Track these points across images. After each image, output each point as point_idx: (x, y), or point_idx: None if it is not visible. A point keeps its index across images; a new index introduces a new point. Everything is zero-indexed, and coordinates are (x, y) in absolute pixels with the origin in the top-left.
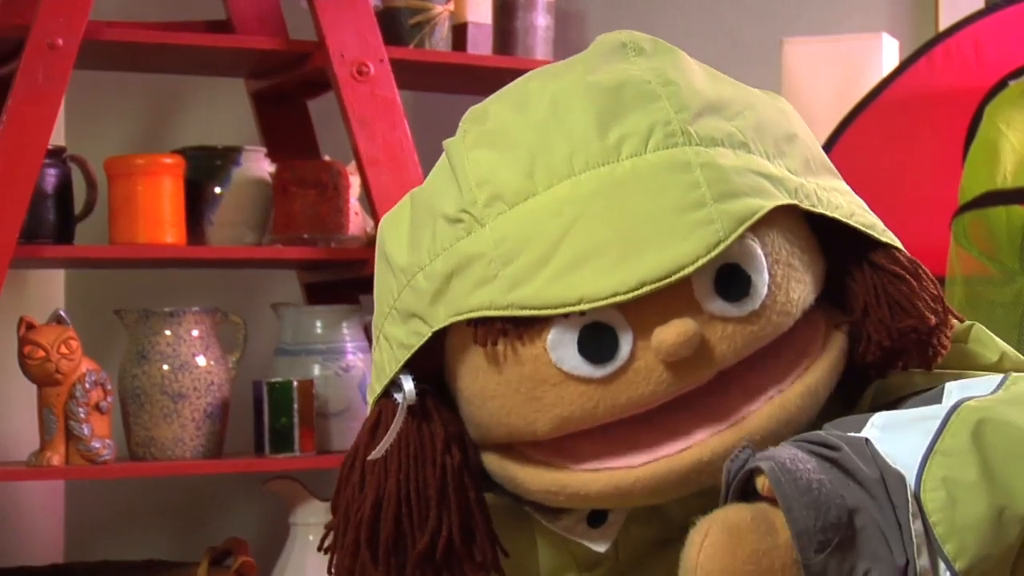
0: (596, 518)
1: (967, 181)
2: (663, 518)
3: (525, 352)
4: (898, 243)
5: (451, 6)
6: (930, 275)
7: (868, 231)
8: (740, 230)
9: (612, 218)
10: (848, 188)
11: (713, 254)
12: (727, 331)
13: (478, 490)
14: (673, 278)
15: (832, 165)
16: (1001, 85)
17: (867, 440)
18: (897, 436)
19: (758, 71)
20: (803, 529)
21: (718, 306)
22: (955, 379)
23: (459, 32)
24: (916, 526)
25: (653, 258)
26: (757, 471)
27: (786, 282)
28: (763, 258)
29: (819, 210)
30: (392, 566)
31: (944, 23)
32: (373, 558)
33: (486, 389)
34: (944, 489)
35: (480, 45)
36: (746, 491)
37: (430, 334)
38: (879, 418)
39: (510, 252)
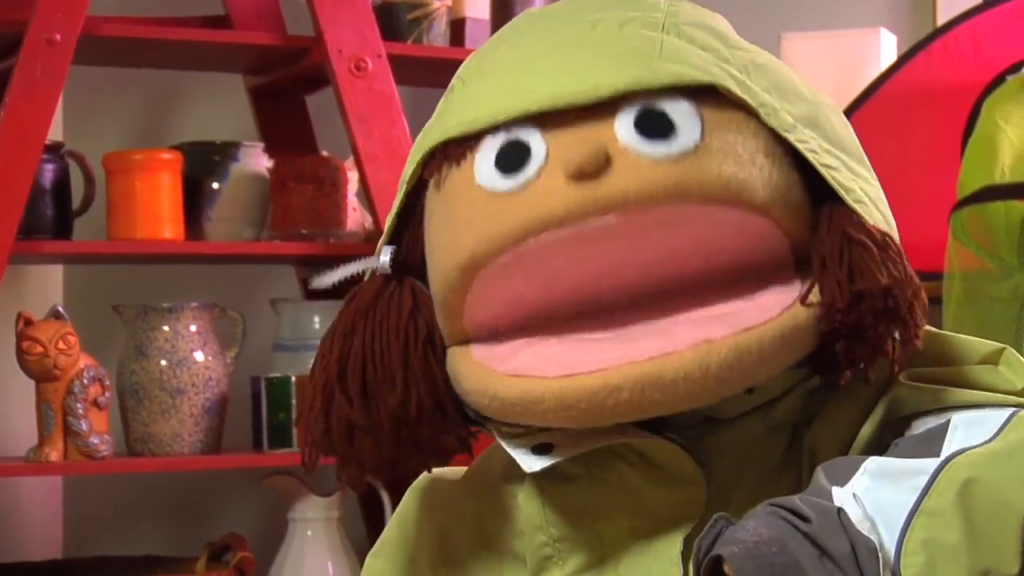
0: (542, 450)
1: (965, 176)
2: (644, 511)
3: (459, 175)
4: (883, 225)
5: (449, 1)
6: (899, 251)
7: (840, 189)
8: (672, 80)
9: (556, 49)
10: (870, 177)
11: (634, 87)
12: (639, 163)
13: (444, 377)
14: (588, 97)
15: (870, 165)
16: (999, 80)
17: (839, 510)
18: (885, 488)
19: None
20: None
21: (633, 138)
22: (964, 407)
23: (457, 27)
24: None
25: (577, 81)
26: (722, 557)
27: (723, 156)
28: (696, 118)
29: (784, 133)
30: (371, 416)
31: (942, 18)
32: (350, 405)
33: (435, 228)
34: (924, 553)
35: (478, 40)
36: (715, 572)
37: (403, 189)
38: (872, 463)
39: (464, 89)
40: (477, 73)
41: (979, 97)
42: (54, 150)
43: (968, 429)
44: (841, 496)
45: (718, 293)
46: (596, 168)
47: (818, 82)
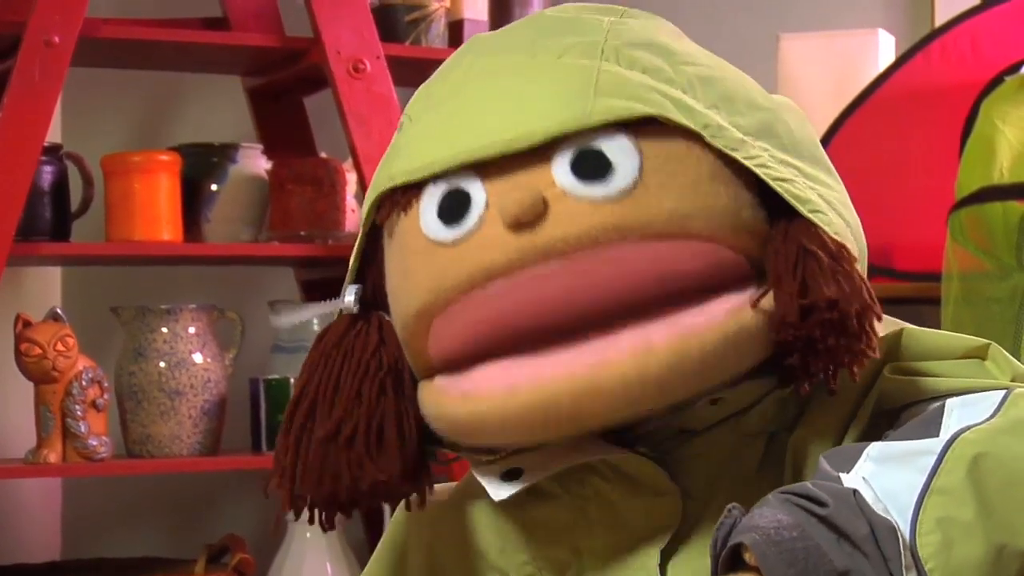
0: (512, 475)
1: (963, 177)
2: (621, 525)
3: (406, 223)
4: (843, 230)
5: (447, 2)
6: (852, 262)
7: (794, 202)
8: (606, 118)
9: (494, 88)
10: (830, 180)
11: (568, 129)
12: (578, 208)
13: (400, 405)
14: (522, 143)
15: (831, 167)
16: (997, 81)
17: (855, 491)
18: (892, 471)
19: (755, 67)
20: None
21: (569, 182)
22: (954, 394)
23: (455, 28)
24: None
25: (511, 126)
26: (743, 544)
27: (664, 191)
28: (634, 154)
29: (731, 152)
30: (300, 450)
31: (940, 19)
32: (284, 440)
33: (390, 275)
34: (940, 531)
35: None
36: (733, 560)
37: (362, 231)
38: (874, 449)
39: (410, 136)
40: (423, 110)
41: (977, 98)
42: (52, 152)
43: (964, 410)
44: (851, 480)
45: (673, 306)
46: (533, 216)
47: (816, 83)
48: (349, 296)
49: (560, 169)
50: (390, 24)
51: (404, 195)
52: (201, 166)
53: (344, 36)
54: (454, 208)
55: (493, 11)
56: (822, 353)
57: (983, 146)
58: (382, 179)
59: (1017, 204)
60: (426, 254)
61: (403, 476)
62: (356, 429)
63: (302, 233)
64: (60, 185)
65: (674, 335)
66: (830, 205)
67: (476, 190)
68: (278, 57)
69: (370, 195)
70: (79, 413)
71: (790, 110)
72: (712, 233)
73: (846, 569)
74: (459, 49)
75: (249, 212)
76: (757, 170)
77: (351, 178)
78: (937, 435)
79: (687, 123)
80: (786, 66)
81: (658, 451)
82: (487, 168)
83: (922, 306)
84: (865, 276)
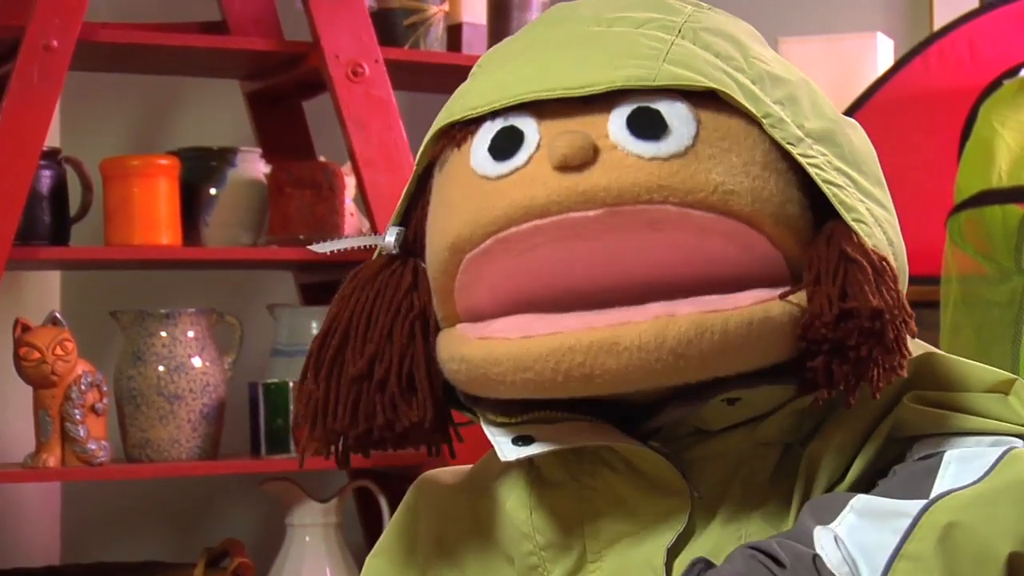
0: (522, 442)
1: (962, 180)
2: (629, 519)
3: (458, 158)
4: (884, 247)
5: (446, 7)
6: (896, 277)
7: (840, 207)
8: (670, 82)
9: (567, 43)
10: (888, 206)
11: (629, 84)
12: (626, 162)
13: (429, 355)
14: (583, 91)
15: (886, 189)
16: (996, 84)
17: (815, 556)
18: (870, 528)
19: None
20: None
21: (623, 135)
22: (966, 433)
23: (454, 33)
24: None
25: (575, 74)
26: None
27: (714, 163)
28: (692, 122)
29: (788, 146)
30: (331, 385)
31: (939, 22)
32: (315, 376)
33: (432, 210)
34: None
35: (475, 46)
36: None
37: (416, 170)
38: (859, 501)
39: (478, 74)
40: (493, 60)
41: (976, 101)
42: (51, 156)
43: (960, 466)
44: (822, 537)
45: (703, 290)
46: (581, 160)
47: None
48: (390, 236)
49: (616, 122)
50: (389, 28)
51: (461, 131)
52: (200, 170)
53: (343, 40)
54: (506, 144)
55: (491, 15)
56: (852, 361)
57: (982, 149)
58: (442, 117)
59: (1016, 207)
60: (470, 187)
61: (433, 427)
62: (388, 371)
63: (301, 237)
64: (59, 189)
65: (698, 310)
66: (877, 221)
67: (530, 130)
68: (277, 61)
69: (430, 132)
70: (78, 417)
71: (856, 128)
72: (752, 216)
73: None
74: (541, 15)
75: (248, 216)
76: (810, 169)
77: (350, 182)
78: (929, 491)
79: (749, 107)
80: None
81: (671, 449)
82: (544, 109)
83: (921, 309)
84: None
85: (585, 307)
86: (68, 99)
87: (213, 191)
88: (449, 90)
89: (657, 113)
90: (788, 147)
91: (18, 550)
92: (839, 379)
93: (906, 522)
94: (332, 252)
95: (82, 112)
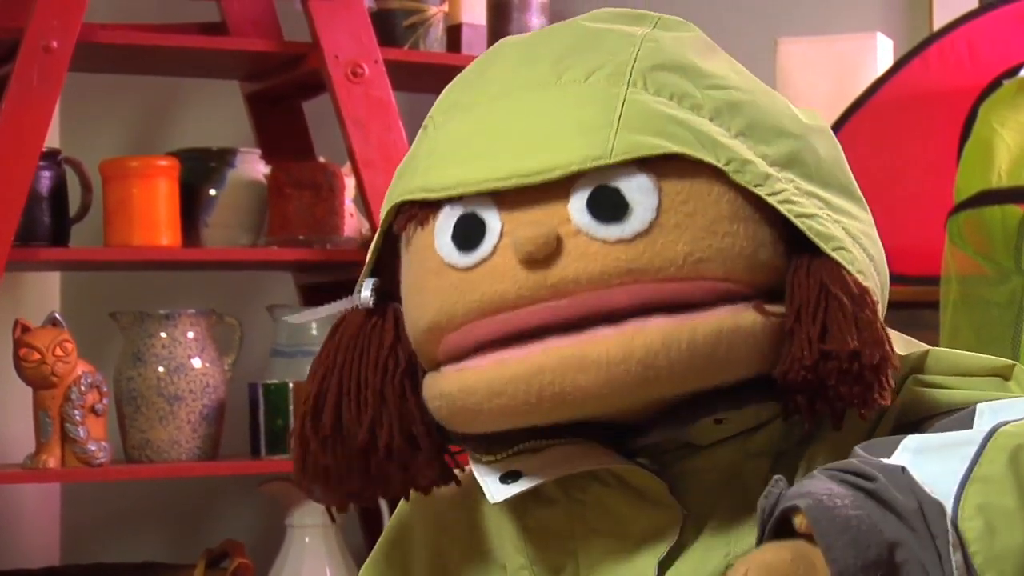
0: (510, 478)
1: (962, 180)
2: (620, 533)
3: (422, 238)
4: (866, 266)
5: (445, 7)
6: (875, 308)
7: (817, 239)
8: (627, 156)
9: (518, 117)
10: (862, 215)
11: (587, 166)
12: (590, 248)
13: (422, 407)
14: (540, 178)
15: (859, 195)
16: (995, 84)
17: (903, 468)
18: (931, 461)
19: (753, 71)
20: (844, 568)
21: (585, 221)
22: (984, 401)
23: (453, 33)
24: (956, 557)
25: (533, 157)
26: (793, 509)
27: (679, 232)
28: (653, 192)
29: (755, 189)
30: (338, 454)
31: (938, 23)
32: (321, 446)
33: (405, 284)
34: (982, 517)
35: (474, 46)
36: (781, 528)
37: (380, 229)
38: (912, 441)
39: (433, 145)
40: (447, 117)
41: (975, 101)
42: (51, 157)
43: (995, 414)
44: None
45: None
46: (546, 255)
47: (814, 87)
48: (366, 291)
49: (576, 206)
50: (388, 29)
51: (422, 210)
52: (199, 171)
53: (342, 41)
54: (469, 234)
55: (491, 15)
56: (832, 399)
57: (981, 150)
58: (400, 189)
59: (1016, 208)
60: (439, 275)
61: (440, 474)
62: (391, 436)
63: (301, 237)
64: (59, 190)
65: (667, 321)
66: (855, 239)
67: (492, 218)
68: (276, 62)
69: (389, 199)
70: (78, 418)
71: (820, 133)
72: (726, 275)
73: (896, 541)
74: (488, 52)
75: (248, 217)
76: (780, 207)
77: (349, 183)
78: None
79: (711, 160)
80: (784, 70)
81: (659, 464)
82: (504, 197)
83: (921, 310)
84: (883, 311)
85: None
86: (68, 100)
87: (213, 192)
88: None
89: (616, 192)
90: (756, 190)
91: (18, 551)
92: (822, 412)
93: (971, 449)
94: (307, 320)
95: (82, 113)
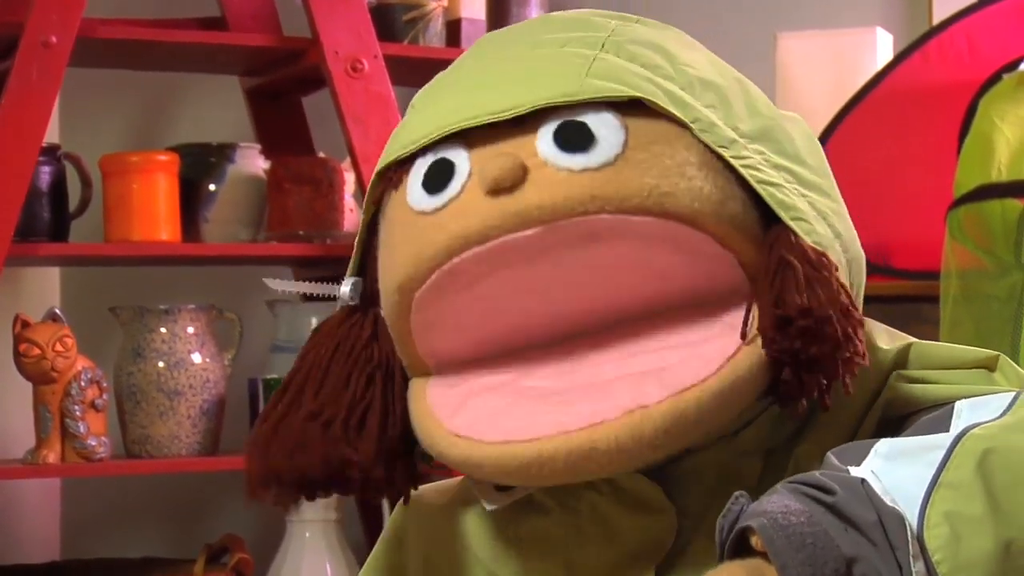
0: (506, 486)
1: (962, 175)
2: (615, 540)
3: (396, 198)
4: (828, 240)
5: (445, 2)
6: (832, 270)
7: (777, 208)
8: (594, 94)
9: (491, 70)
10: (829, 190)
11: (554, 101)
12: (557, 177)
13: (387, 402)
14: (508, 114)
15: (832, 179)
16: (995, 78)
17: (862, 480)
18: (901, 466)
19: (752, 66)
20: None
21: (551, 151)
22: (966, 397)
23: (453, 28)
24: (917, 567)
25: (499, 98)
26: (750, 528)
27: (646, 167)
28: (620, 130)
29: (719, 149)
30: (278, 427)
31: (938, 17)
32: (264, 418)
33: (380, 257)
34: (947, 524)
35: (474, 41)
36: (740, 546)
37: (363, 220)
38: (883, 446)
39: (409, 119)
40: (425, 97)
41: (975, 95)
42: (51, 152)
43: (973, 411)
44: (859, 473)
45: (665, 320)
46: (512, 182)
47: (814, 81)
48: (347, 287)
49: (544, 139)
50: (388, 23)
51: (396, 171)
52: (199, 166)
53: (342, 36)
54: (439, 177)
55: (491, 10)
56: (809, 365)
57: (981, 144)
58: (379, 162)
59: (1015, 202)
60: (409, 225)
61: (376, 462)
62: (336, 413)
63: (300, 233)
64: (58, 186)
65: (668, 393)
66: (820, 215)
67: (461, 159)
68: (276, 57)
69: (371, 182)
70: (78, 413)
71: (795, 123)
72: (694, 216)
73: (854, 556)
74: (471, 47)
75: (247, 212)
76: (743, 171)
77: (349, 178)
78: (947, 432)
79: (677, 112)
80: (784, 65)
81: (652, 467)
82: (473, 138)
83: (921, 304)
84: (859, 295)
85: (544, 342)
86: (67, 95)
87: (212, 187)
88: None
89: (583, 125)
90: (720, 150)
91: (18, 546)
92: (811, 386)
93: (939, 454)
94: (283, 291)
95: (81, 108)
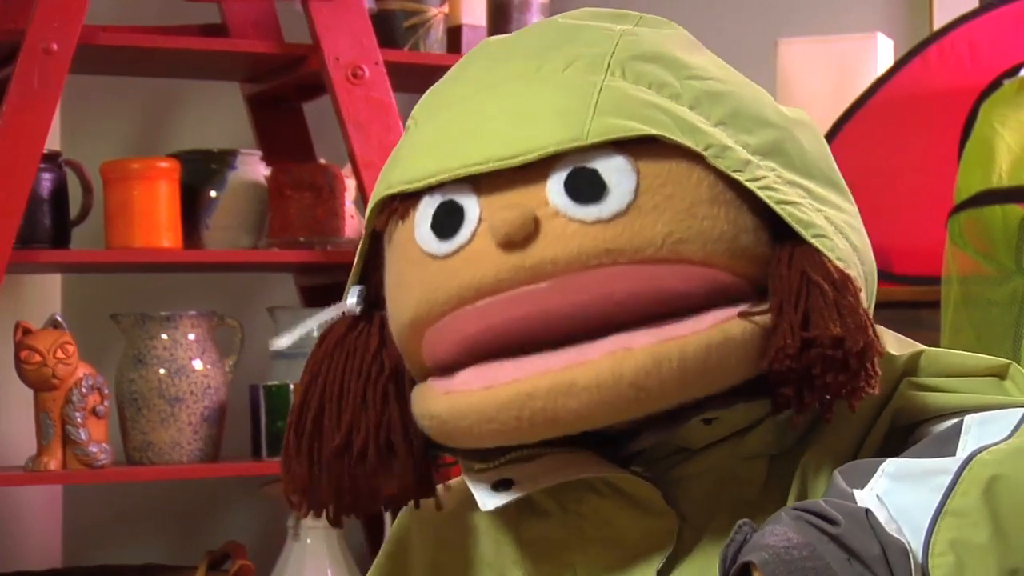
0: (502, 486)
1: (963, 180)
2: (617, 543)
3: (403, 232)
4: (848, 255)
5: (446, 8)
6: (857, 294)
7: (797, 226)
8: (603, 137)
9: (495, 107)
10: (846, 206)
11: (564, 147)
12: (568, 230)
13: (406, 415)
14: (516, 160)
15: (843, 186)
16: (996, 84)
17: (867, 511)
18: (907, 489)
19: (753, 71)
20: None
21: (563, 202)
22: (975, 409)
23: (454, 34)
24: None
25: (510, 141)
26: (752, 563)
27: (658, 214)
28: (631, 174)
29: (734, 174)
30: (313, 460)
31: (939, 22)
32: (297, 451)
33: (387, 282)
34: (953, 553)
35: (474, 47)
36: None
37: (365, 232)
38: (890, 465)
39: (414, 141)
40: (428, 115)
41: (976, 101)
42: (52, 159)
43: (983, 428)
44: (864, 499)
45: (662, 320)
46: (523, 237)
47: (815, 87)
48: (352, 298)
49: (554, 188)
50: (389, 30)
51: (402, 203)
52: (200, 173)
53: (343, 42)
54: (447, 222)
55: (491, 16)
56: (819, 388)
57: (982, 149)
58: (383, 186)
59: (1016, 207)
60: (419, 265)
61: (416, 484)
62: (367, 440)
63: (301, 239)
64: (59, 192)
65: (654, 339)
66: (837, 229)
67: (470, 204)
68: (277, 64)
69: (372, 199)
70: (79, 420)
71: (804, 127)
72: (706, 258)
73: None
74: (470, 52)
75: (248, 219)
76: (760, 192)
77: (350, 184)
78: (954, 453)
79: (688, 143)
80: (785, 70)
81: (654, 471)
82: (482, 182)
83: (921, 310)
84: (870, 304)
85: (546, 346)
86: (68, 102)
87: (213, 194)
88: None
89: (594, 173)
90: (735, 175)
91: (19, 553)
92: (810, 403)
93: (945, 479)
94: (290, 344)
95: (82, 115)
